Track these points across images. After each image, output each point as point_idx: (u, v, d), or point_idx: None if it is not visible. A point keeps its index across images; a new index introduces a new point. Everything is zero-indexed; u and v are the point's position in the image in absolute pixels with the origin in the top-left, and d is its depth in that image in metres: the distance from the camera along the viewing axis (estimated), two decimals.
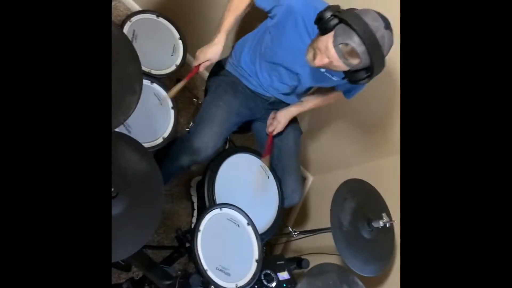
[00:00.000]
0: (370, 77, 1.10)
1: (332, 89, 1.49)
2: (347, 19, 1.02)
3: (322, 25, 1.08)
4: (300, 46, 1.23)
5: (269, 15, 1.29)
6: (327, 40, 1.08)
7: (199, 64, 1.34)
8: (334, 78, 1.33)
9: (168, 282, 1.12)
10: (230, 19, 1.31)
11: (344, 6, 1.13)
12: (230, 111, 1.41)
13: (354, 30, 1.01)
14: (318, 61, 1.13)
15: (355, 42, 1.02)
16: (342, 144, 2.06)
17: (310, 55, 1.18)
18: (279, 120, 1.49)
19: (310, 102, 1.54)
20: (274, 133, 1.50)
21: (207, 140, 1.34)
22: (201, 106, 1.46)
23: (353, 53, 1.04)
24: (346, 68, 1.11)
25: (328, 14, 1.06)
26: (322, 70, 1.29)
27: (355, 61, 1.07)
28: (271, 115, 1.52)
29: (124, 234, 0.90)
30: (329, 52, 1.08)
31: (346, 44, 1.04)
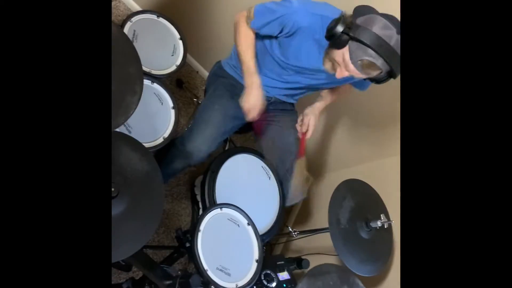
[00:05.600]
0: (391, 77, 1.11)
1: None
2: (358, 37, 1.03)
3: (335, 42, 1.09)
4: (311, 55, 1.24)
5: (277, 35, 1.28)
6: (343, 54, 1.09)
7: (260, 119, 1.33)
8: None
9: (168, 282, 1.12)
10: (251, 58, 1.30)
11: (346, 5, 1.13)
12: (226, 115, 1.41)
13: (369, 46, 1.02)
14: (339, 74, 1.15)
15: (372, 56, 1.03)
16: (342, 144, 2.06)
17: (328, 66, 1.20)
18: (310, 118, 1.46)
19: (329, 96, 1.53)
20: (309, 133, 1.47)
21: (199, 144, 1.35)
22: (198, 109, 1.45)
23: (372, 66, 1.06)
24: (367, 77, 1.13)
25: (338, 31, 1.05)
26: None
27: (375, 73, 1.09)
28: (300, 117, 1.51)
29: (124, 234, 0.90)
30: (348, 68, 1.10)
31: (364, 59, 1.05)
